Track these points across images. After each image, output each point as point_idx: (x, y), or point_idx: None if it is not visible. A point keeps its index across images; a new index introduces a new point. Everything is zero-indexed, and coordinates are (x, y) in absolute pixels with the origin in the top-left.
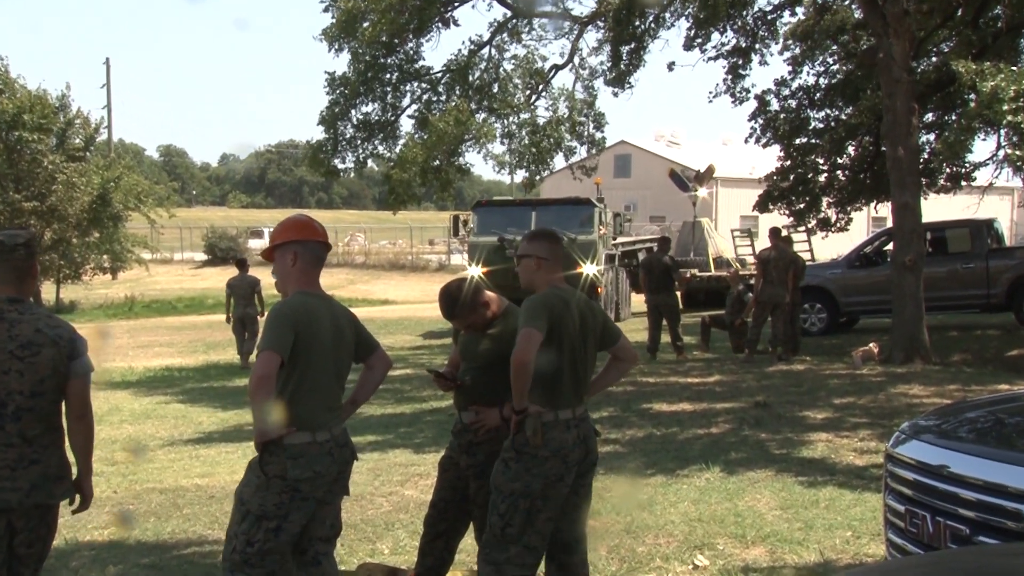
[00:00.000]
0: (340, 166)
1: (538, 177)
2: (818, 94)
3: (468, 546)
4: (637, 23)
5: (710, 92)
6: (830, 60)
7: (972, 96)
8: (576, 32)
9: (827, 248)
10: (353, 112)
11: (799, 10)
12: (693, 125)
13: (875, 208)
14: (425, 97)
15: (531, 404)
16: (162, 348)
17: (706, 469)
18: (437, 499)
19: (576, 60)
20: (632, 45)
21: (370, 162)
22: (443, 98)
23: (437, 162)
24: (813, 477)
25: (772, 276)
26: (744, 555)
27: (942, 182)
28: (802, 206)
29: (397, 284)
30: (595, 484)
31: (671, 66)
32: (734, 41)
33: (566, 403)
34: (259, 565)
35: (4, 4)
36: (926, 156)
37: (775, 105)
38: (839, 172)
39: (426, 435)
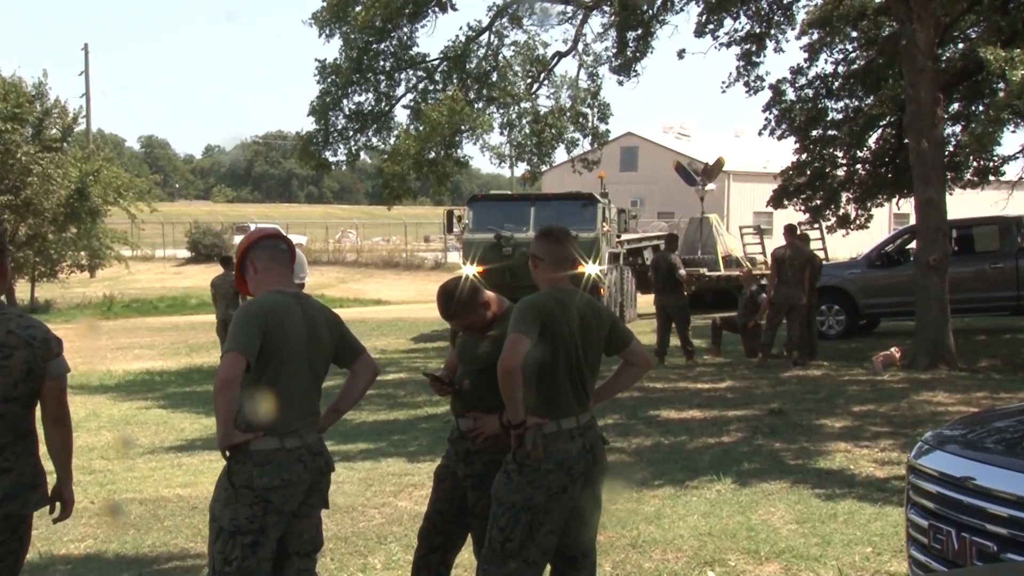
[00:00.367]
0: (331, 158)
1: (540, 170)
2: (837, 83)
3: (465, 560)
4: (644, 7)
5: (722, 81)
6: (849, 47)
7: (1001, 85)
8: (580, 17)
9: (845, 246)
10: (345, 101)
11: None
12: (704, 116)
13: (897, 204)
14: (421, 86)
15: (530, 415)
16: (142, 350)
17: (717, 480)
18: (432, 511)
19: (580, 47)
20: (639, 31)
21: (363, 154)
22: (440, 87)
23: (433, 154)
24: (831, 489)
25: (787, 276)
26: (757, 571)
27: (968, 176)
28: (819, 202)
29: (391, 283)
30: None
31: (681, 54)
32: (748, 27)
33: (568, 411)
34: None
35: None
36: (951, 149)
37: (791, 95)
38: (859, 166)
39: (421, 443)
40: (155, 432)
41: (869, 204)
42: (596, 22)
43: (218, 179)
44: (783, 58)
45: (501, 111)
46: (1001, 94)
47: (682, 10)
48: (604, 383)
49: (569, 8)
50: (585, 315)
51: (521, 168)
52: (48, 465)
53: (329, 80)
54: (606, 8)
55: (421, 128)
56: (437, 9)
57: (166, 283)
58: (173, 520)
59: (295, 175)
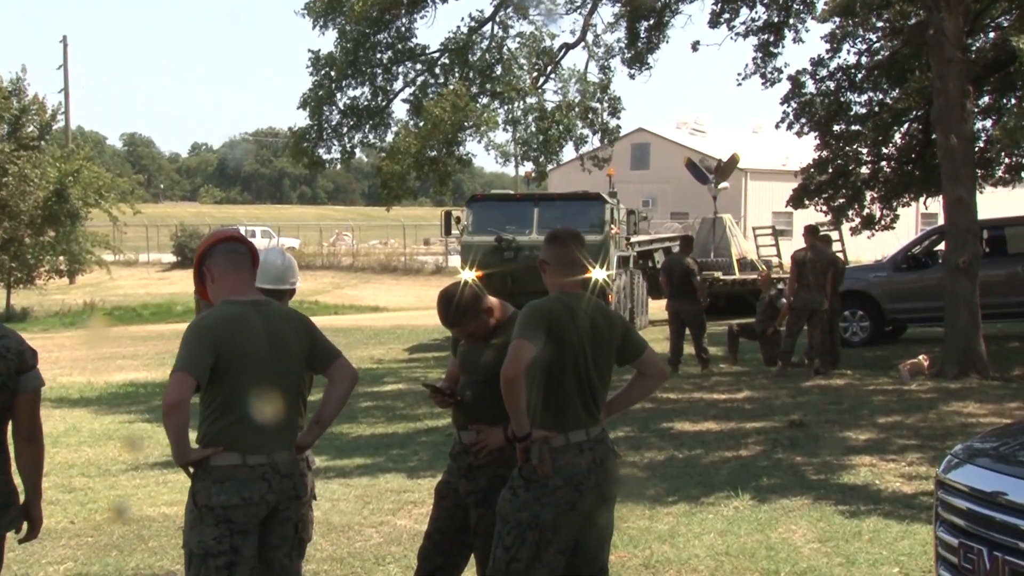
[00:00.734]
0: (325, 156)
1: (546, 168)
2: (860, 75)
3: None
4: None
5: (738, 73)
6: (873, 37)
7: None
8: (589, 6)
9: (870, 248)
10: (340, 96)
11: None
12: (719, 111)
13: (925, 204)
14: (420, 80)
15: (537, 427)
16: (125, 360)
17: (734, 496)
18: (433, 530)
19: (589, 38)
20: (651, 21)
21: (359, 152)
22: (440, 81)
23: (433, 152)
24: (855, 506)
25: (808, 279)
26: None
27: (1000, 174)
28: (842, 201)
29: (389, 288)
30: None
31: (695, 45)
32: (765, 16)
33: (577, 423)
34: None
35: None
36: (982, 145)
37: (811, 87)
38: (884, 163)
39: (421, 458)
40: (119, 451)
41: (895, 203)
42: (606, 12)
43: (205, 179)
44: (803, 49)
45: (505, 106)
46: None
47: None
48: (616, 395)
49: None
50: (596, 322)
51: (527, 167)
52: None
53: (323, 73)
54: None
55: (422, 125)
56: None
57: (150, 289)
58: (158, 541)
59: (287, 174)
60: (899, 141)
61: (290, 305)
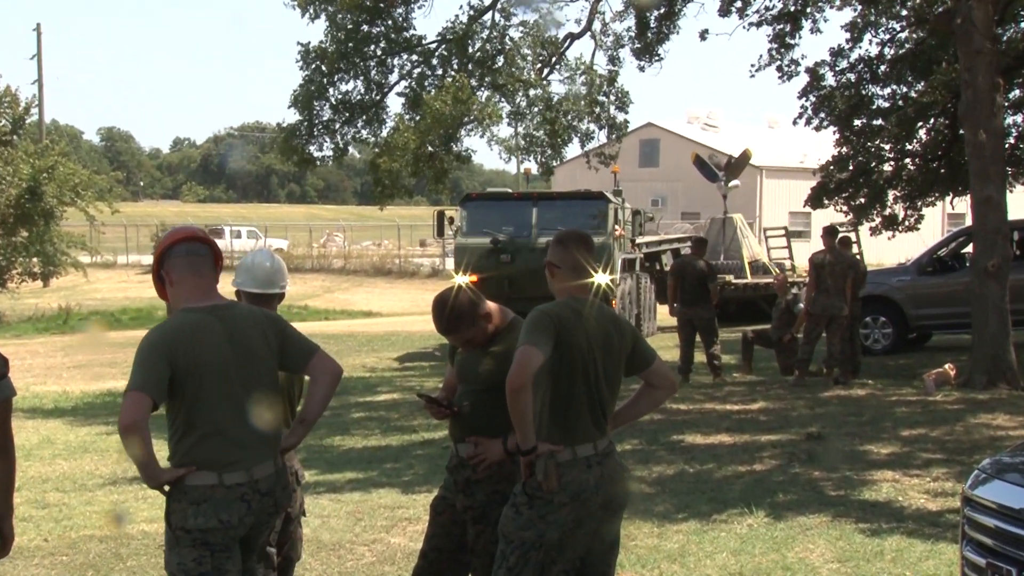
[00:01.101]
0: (316, 153)
1: (552, 164)
2: (883, 67)
3: None
4: None
5: (751, 65)
6: (897, 26)
7: None
8: None
9: (893, 250)
10: (331, 90)
11: None
12: (733, 105)
13: (951, 203)
14: (417, 72)
15: (542, 441)
16: (103, 368)
17: (748, 513)
18: (429, 548)
19: (596, 27)
20: (662, 9)
21: (351, 149)
22: (438, 73)
23: (431, 148)
24: (877, 524)
25: (827, 284)
26: None
27: None
28: (863, 201)
29: (382, 292)
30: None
31: (704, 34)
32: (780, 5)
33: (585, 436)
34: None
35: None
36: (1012, 141)
37: (830, 80)
38: (908, 160)
39: (416, 472)
40: (117, 460)
41: (919, 203)
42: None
43: (188, 176)
44: (821, 39)
45: (508, 100)
46: None
47: None
48: (623, 406)
49: None
50: (607, 329)
51: (530, 164)
52: None
53: (313, 66)
54: None
55: (421, 119)
56: None
57: (129, 293)
58: (137, 560)
59: (275, 172)
60: (924, 137)
61: (278, 310)
